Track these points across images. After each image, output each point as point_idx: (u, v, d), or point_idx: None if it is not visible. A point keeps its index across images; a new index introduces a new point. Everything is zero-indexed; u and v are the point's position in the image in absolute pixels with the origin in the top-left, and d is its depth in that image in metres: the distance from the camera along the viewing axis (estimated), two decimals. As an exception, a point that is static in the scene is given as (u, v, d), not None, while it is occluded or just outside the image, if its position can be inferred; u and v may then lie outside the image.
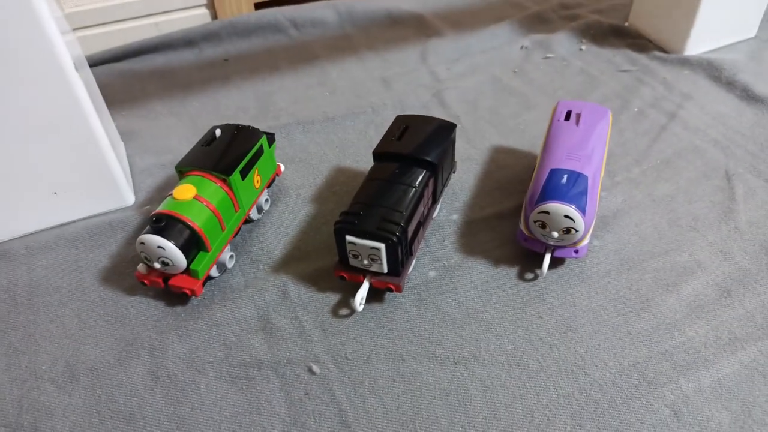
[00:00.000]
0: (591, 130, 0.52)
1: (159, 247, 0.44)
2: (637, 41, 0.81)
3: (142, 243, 0.44)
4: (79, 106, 0.50)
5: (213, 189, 0.48)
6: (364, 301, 0.46)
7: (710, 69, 0.74)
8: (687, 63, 0.75)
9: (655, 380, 0.42)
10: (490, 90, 0.73)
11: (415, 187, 0.47)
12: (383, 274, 0.46)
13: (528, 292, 0.48)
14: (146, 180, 0.60)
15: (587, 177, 0.47)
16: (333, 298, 0.48)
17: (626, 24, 0.84)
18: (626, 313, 0.46)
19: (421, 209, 0.47)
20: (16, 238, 0.55)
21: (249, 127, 0.52)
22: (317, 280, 0.50)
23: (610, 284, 0.49)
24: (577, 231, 0.46)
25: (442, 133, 0.51)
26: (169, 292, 0.48)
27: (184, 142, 0.66)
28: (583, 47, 0.80)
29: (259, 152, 0.52)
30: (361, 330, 0.46)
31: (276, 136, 0.66)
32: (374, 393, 0.42)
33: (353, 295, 0.47)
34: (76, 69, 0.48)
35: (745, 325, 0.46)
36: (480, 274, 0.50)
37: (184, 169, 0.49)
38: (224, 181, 0.48)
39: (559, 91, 0.73)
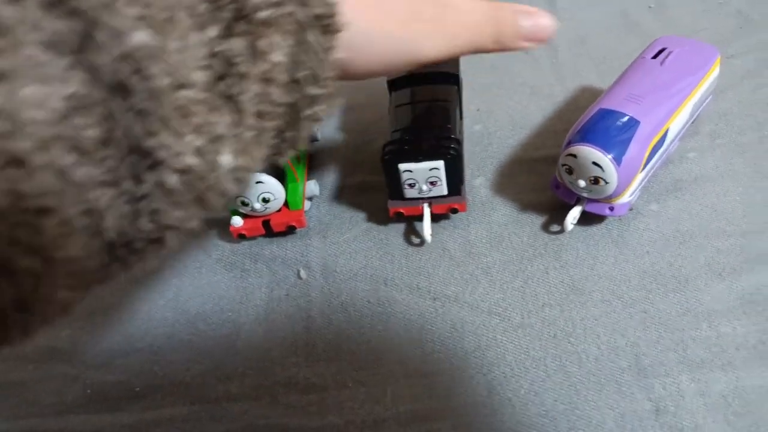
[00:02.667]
0: (677, 73, 0.43)
1: (258, 182, 0.43)
2: (834, -20, 0.63)
3: None
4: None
5: None
6: (431, 229, 0.44)
7: None
8: None
9: (649, 369, 0.36)
10: (610, 25, 0.63)
11: (450, 101, 0.44)
12: (443, 196, 0.44)
13: (545, 245, 0.43)
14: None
15: (639, 123, 0.40)
16: (348, 212, 0.48)
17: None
18: (652, 290, 0.39)
19: (461, 123, 0.45)
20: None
21: None
22: (345, 195, 0.50)
23: (647, 255, 0.41)
24: (607, 183, 0.39)
25: None
26: (272, 234, 0.47)
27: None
28: (754, -16, 0.65)
29: None
30: (358, 247, 0.46)
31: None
32: (345, 308, 0.42)
33: (370, 215, 0.47)
34: None
35: (809, 337, 0.36)
36: (502, 215, 0.46)
37: None
38: None
39: (698, 34, 0.60)
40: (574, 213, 0.42)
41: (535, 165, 0.49)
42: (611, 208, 0.41)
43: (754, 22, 0.60)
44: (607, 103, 0.41)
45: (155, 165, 0.20)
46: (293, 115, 0.26)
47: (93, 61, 0.18)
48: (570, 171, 0.40)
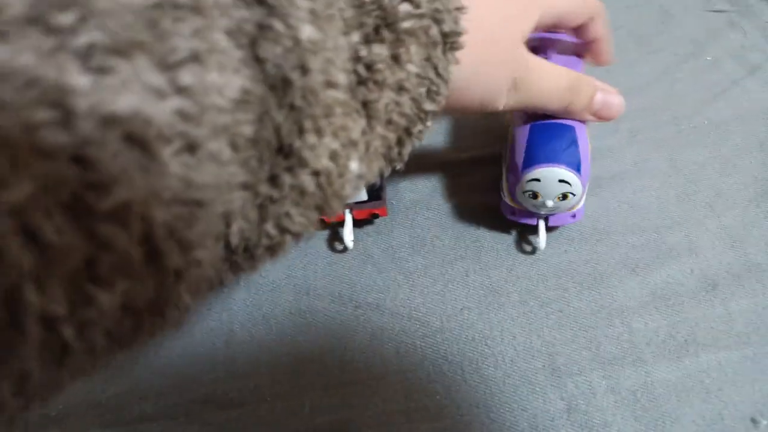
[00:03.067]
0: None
1: None
2: (751, -25, 0.65)
3: None
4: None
5: None
6: (352, 235, 0.43)
7: (833, 13, 0.57)
8: (808, 5, 0.60)
9: (563, 368, 0.36)
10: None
11: None
12: (363, 202, 0.44)
13: (466, 247, 0.43)
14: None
15: (573, 127, 0.39)
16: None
17: (746, -47, 0.68)
18: (567, 288, 0.40)
19: None
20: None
21: None
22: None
23: (565, 254, 0.42)
24: (574, 195, 0.38)
25: None
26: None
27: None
28: (677, -20, 0.67)
29: None
30: (281, 258, 0.45)
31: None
32: (266, 320, 0.41)
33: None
34: None
35: (716, 329, 0.37)
36: (425, 219, 0.46)
37: None
38: None
39: (620, 29, 0.62)
40: (542, 231, 0.41)
41: (459, 167, 0.49)
42: (573, 216, 0.41)
43: (674, 18, 0.62)
44: (534, 117, 0.40)
45: (295, 166, 0.19)
46: (406, 130, 0.26)
47: (261, 55, 0.18)
48: (534, 196, 0.39)
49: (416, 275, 0.42)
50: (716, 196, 0.44)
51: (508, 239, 0.43)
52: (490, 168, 0.48)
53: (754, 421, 0.33)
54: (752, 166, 0.46)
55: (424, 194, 0.47)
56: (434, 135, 0.52)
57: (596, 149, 0.48)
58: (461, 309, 0.40)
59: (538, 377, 0.36)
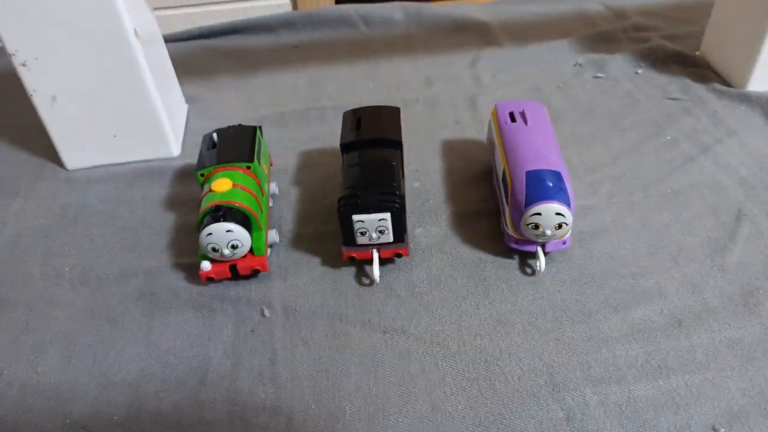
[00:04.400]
0: (541, 128, 0.55)
1: (228, 231, 0.48)
2: (700, 71, 0.78)
3: (210, 234, 0.48)
4: (136, 67, 0.60)
5: (242, 177, 0.52)
6: (379, 271, 0.51)
7: None
8: (746, 98, 0.72)
9: (561, 384, 0.44)
10: (527, 99, 0.74)
11: (394, 162, 0.52)
12: (389, 243, 0.51)
13: (476, 285, 0.51)
14: (195, 138, 0.70)
15: (559, 173, 0.49)
16: (305, 258, 0.55)
17: (696, 53, 0.81)
18: (562, 321, 0.48)
19: (403, 182, 0.53)
20: (81, 169, 0.67)
21: (240, 125, 0.58)
22: (301, 243, 0.56)
23: (558, 293, 0.50)
24: (567, 225, 0.48)
25: (393, 115, 0.57)
26: (238, 277, 0.52)
27: (235, 112, 0.75)
28: (640, 71, 0.79)
29: (259, 142, 0.57)
30: (315, 288, 0.52)
31: (313, 118, 0.73)
32: (306, 342, 0.48)
33: (325, 260, 0.53)
34: (136, 35, 0.59)
35: (682, 357, 0.45)
36: (439, 260, 0.53)
37: (205, 171, 0.53)
38: (248, 168, 0.53)
39: (596, 110, 0.73)
40: (541, 255, 0.51)
41: (465, 218, 0.57)
42: (564, 242, 0.51)
43: (640, 103, 0.73)
44: (527, 166, 0.50)
45: None
46: None
47: None
48: (536, 227, 0.49)
49: (434, 307, 0.50)
50: (679, 251, 0.53)
51: (512, 281, 0.51)
52: (488, 218, 0.57)
53: (714, 429, 0.41)
54: (707, 228, 0.56)
55: (436, 240, 0.55)
56: (442, 191, 0.61)
57: (580, 207, 0.58)
58: (474, 336, 0.47)
59: (542, 392, 0.43)
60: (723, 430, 0.41)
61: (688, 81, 0.76)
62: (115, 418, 0.43)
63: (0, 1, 0.54)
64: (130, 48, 0.59)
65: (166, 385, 0.45)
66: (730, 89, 0.73)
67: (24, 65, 0.59)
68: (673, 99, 0.74)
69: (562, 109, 0.73)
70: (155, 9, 0.68)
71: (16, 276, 0.55)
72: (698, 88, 0.75)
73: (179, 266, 0.55)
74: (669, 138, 0.67)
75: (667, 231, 0.56)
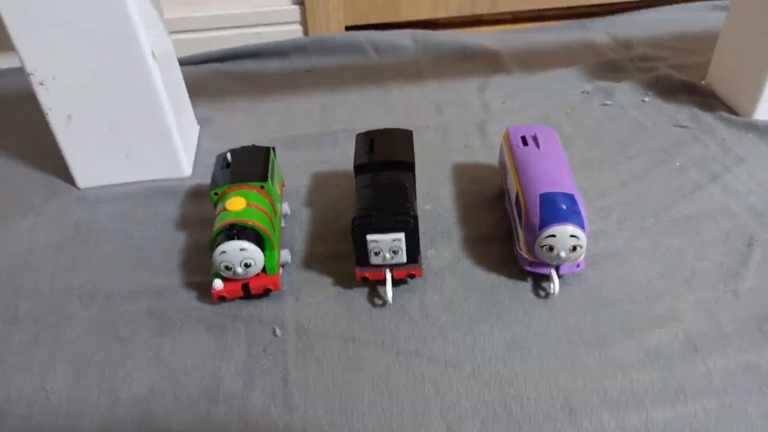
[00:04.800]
0: (553, 152, 0.56)
1: (241, 249, 0.48)
2: (707, 100, 0.79)
3: (224, 252, 0.48)
4: (153, 88, 0.61)
5: (256, 196, 0.52)
6: (391, 292, 0.51)
7: (774, 136, 0.70)
8: (753, 127, 0.73)
9: (578, 408, 0.43)
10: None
11: (407, 184, 0.52)
12: (403, 264, 0.51)
13: (489, 309, 0.51)
14: (206, 159, 0.71)
15: (573, 195, 0.50)
16: (317, 278, 0.54)
17: (702, 82, 0.82)
18: (577, 345, 0.47)
19: (416, 203, 0.53)
20: (93, 188, 0.67)
21: (253, 145, 0.58)
22: (314, 263, 0.56)
23: (573, 317, 0.50)
24: (581, 247, 0.49)
25: (406, 138, 0.58)
26: (249, 296, 0.52)
27: (246, 134, 0.76)
28: (647, 99, 0.80)
29: (272, 163, 0.58)
30: (328, 309, 0.52)
31: (324, 142, 0.74)
32: (319, 363, 0.47)
33: (337, 280, 0.53)
34: (153, 56, 0.60)
35: (699, 382, 0.45)
36: (451, 283, 0.53)
37: (219, 190, 0.53)
38: (262, 188, 0.53)
39: (604, 137, 0.73)
40: (555, 278, 0.50)
41: (477, 240, 0.58)
42: (578, 265, 0.51)
43: (648, 130, 0.74)
44: (540, 189, 0.51)
45: None
46: None
47: None
48: (551, 248, 0.49)
49: (448, 329, 0.49)
50: (692, 275, 0.53)
51: (526, 304, 0.51)
52: (500, 242, 0.57)
53: (734, 456, 0.40)
54: (719, 254, 0.56)
55: (449, 261, 0.55)
56: (453, 213, 0.61)
57: (592, 231, 0.58)
58: (489, 358, 0.47)
59: (559, 416, 0.43)
60: (743, 456, 0.40)
61: (695, 109, 0.77)
62: (125, 437, 0.43)
63: (20, 22, 0.55)
64: (147, 69, 0.60)
65: (176, 404, 0.45)
66: (738, 117, 0.74)
67: (42, 84, 0.59)
68: (681, 126, 0.74)
69: (571, 135, 0.74)
70: (171, 33, 0.69)
71: (26, 292, 0.55)
72: (705, 117, 0.75)
73: (190, 285, 0.54)
74: (678, 165, 0.68)
75: (680, 256, 0.55)
